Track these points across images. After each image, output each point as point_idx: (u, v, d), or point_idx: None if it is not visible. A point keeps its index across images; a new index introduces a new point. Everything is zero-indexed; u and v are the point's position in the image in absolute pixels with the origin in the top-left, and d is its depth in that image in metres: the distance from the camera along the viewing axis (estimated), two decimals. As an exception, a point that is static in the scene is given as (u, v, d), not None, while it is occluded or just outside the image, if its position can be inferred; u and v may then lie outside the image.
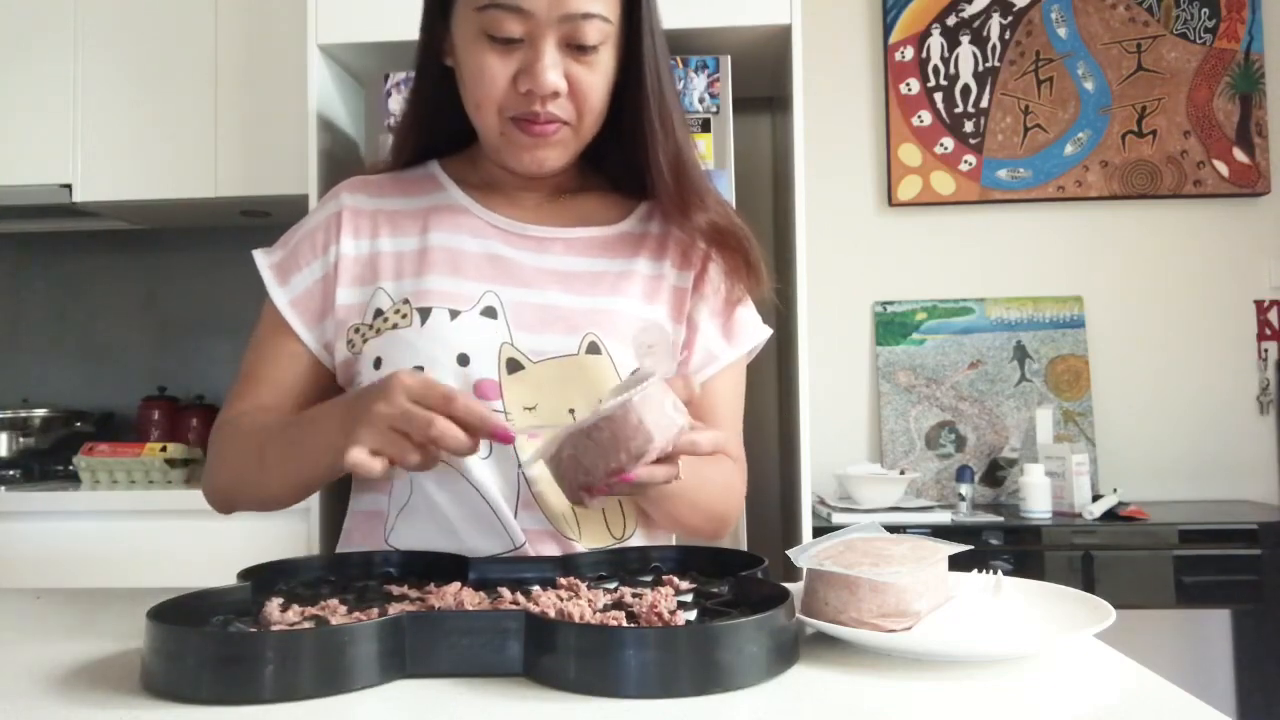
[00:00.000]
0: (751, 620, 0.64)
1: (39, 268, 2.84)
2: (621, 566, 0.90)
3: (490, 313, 0.95)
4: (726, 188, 2.01)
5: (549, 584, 0.81)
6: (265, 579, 0.82)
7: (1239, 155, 2.59)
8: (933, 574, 0.75)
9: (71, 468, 2.34)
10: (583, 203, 1.06)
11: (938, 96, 2.65)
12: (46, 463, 2.50)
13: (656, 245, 1.04)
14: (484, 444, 0.91)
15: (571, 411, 0.93)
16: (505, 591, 0.76)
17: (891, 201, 2.64)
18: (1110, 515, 2.20)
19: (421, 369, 0.92)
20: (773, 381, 2.55)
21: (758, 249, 1.03)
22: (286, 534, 2.08)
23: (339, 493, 0.85)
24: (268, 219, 2.57)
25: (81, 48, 2.43)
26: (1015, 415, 2.56)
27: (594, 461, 0.74)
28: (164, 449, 2.26)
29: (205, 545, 2.11)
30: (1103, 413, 2.58)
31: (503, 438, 0.78)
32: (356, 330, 0.98)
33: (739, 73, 2.11)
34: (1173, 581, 2.11)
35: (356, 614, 0.71)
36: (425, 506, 0.94)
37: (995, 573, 0.85)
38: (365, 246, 1.00)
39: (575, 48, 0.92)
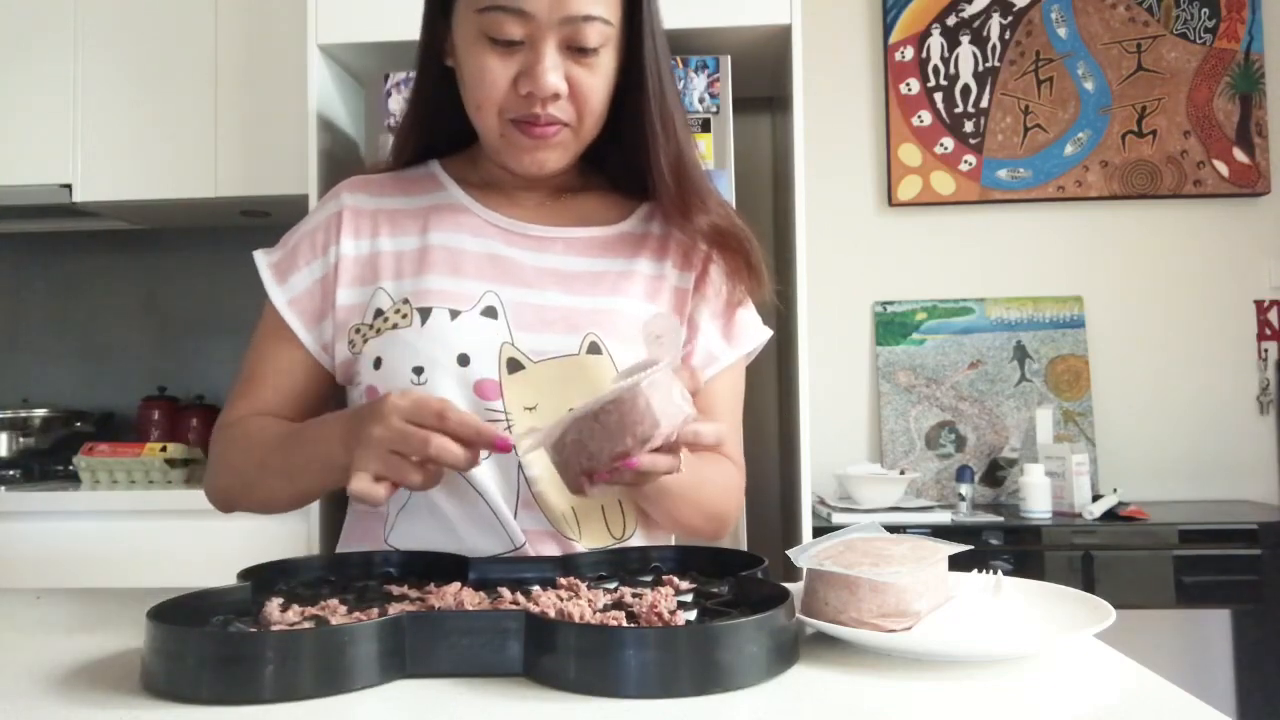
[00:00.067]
0: (751, 620, 0.64)
1: (39, 268, 2.84)
2: (621, 566, 0.89)
3: (490, 312, 0.95)
4: (726, 188, 2.01)
5: (549, 584, 0.81)
6: (265, 579, 0.82)
7: (1239, 155, 2.59)
8: (933, 574, 0.75)
9: (71, 468, 2.34)
10: (583, 202, 1.06)
11: (938, 96, 2.65)
12: (46, 463, 2.50)
13: (658, 246, 1.04)
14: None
15: (571, 411, 0.93)
16: (505, 591, 0.76)
17: (891, 201, 2.64)
18: (1110, 515, 2.20)
19: (421, 369, 0.92)
20: (773, 381, 2.55)
21: (759, 250, 1.03)
22: (286, 534, 2.08)
23: (339, 493, 0.85)
24: (268, 219, 2.57)
25: (81, 48, 2.43)
26: (1015, 415, 2.56)
27: (599, 446, 0.74)
28: (164, 449, 2.26)
29: (205, 545, 2.11)
30: (1103, 413, 2.58)
31: (501, 447, 0.78)
32: (357, 330, 0.98)
33: (739, 73, 2.11)
34: (1173, 581, 2.11)
35: (356, 614, 0.71)
36: (425, 506, 0.94)
37: (995, 573, 0.85)
38: (365, 246, 1.00)
39: (576, 50, 0.92)
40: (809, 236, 2.16)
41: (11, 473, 2.42)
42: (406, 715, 0.59)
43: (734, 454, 1.05)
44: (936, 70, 2.65)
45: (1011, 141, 2.62)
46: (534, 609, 0.70)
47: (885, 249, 2.66)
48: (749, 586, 0.78)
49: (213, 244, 2.76)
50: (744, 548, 1.93)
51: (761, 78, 2.38)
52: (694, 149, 1.02)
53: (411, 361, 0.92)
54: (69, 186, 2.41)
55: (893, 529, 0.91)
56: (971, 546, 0.82)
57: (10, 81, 2.44)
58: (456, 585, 0.78)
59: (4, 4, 2.44)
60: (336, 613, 0.72)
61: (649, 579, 0.87)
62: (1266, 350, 2.60)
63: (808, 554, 0.76)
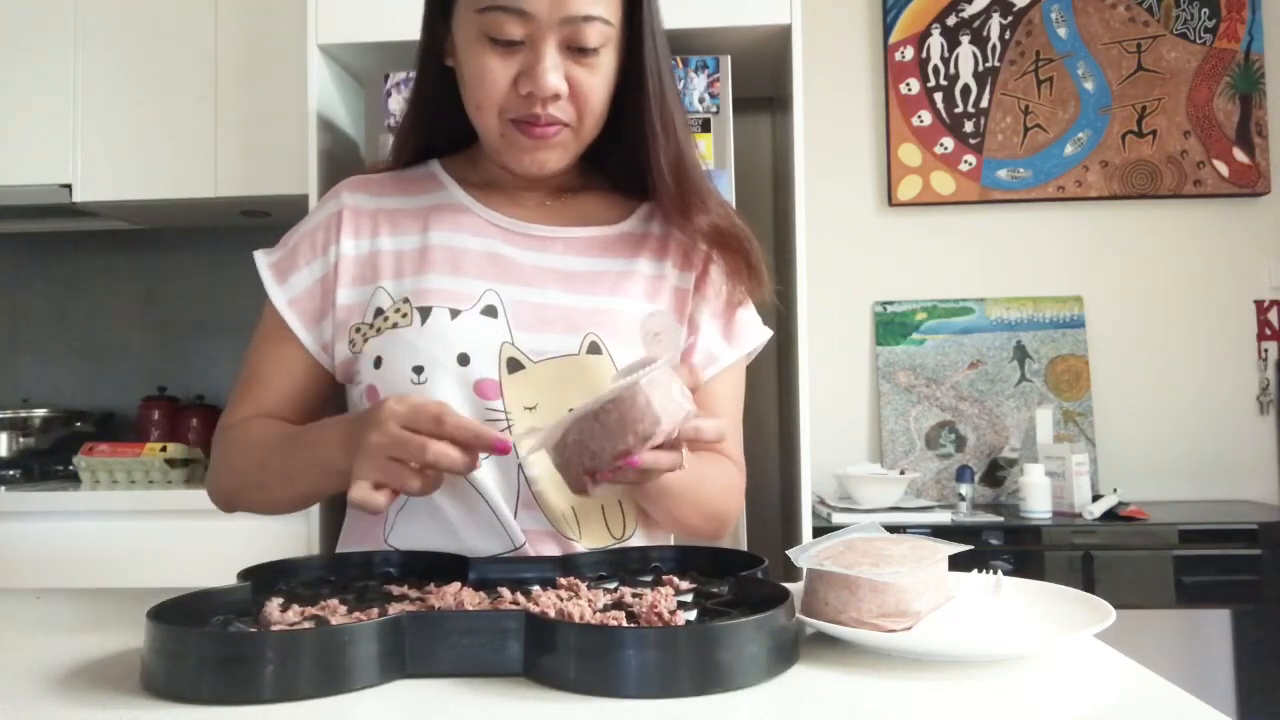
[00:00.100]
0: (751, 620, 0.64)
1: (39, 268, 2.84)
2: (621, 566, 0.89)
3: (491, 312, 0.95)
4: (726, 188, 2.01)
5: (549, 584, 0.81)
6: (265, 579, 0.82)
7: (1239, 155, 2.59)
8: (933, 574, 0.75)
9: (71, 468, 2.34)
10: (584, 202, 1.06)
11: (938, 96, 2.65)
12: (46, 463, 2.50)
13: (658, 246, 1.04)
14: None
15: (571, 411, 0.93)
16: (505, 591, 0.76)
17: (891, 201, 2.64)
18: (1110, 515, 2.20)
19: (421, 369, 0.92)
20: (773, 381, 2.55)
21: (759, 251, 1.03)
22: (286, 534, 2.08)
23: (339, 493, 0.85)
24: (268, 219, 2.57)
25: (81, 48, 2.43)
26: (1015, 415, 2.56)
27: (601, 445, 0.75)
28: (164, 449, 2.26)
29: (205, 545, 2.12)
30: (1103, 413, 2.58)
31: (500, 449, 0.79)
32: (357, 329, 0.98)
33: (739, 73, 2.11)
34: (1173, 581, 2.12)
35: (356, 614, 0.71)
36: (425, 507, 0.94)
37: (995, 573, 0.85)
38: (365, 246, 1.00)
39: (576, 50, 0.92)
40: (809, 236, 2.17)
41: (11, 473, 2.42)
42: (406, 715, 0.59)
43: (734, 454, 1.05)
44: (936, 70, 2.65)
45: (1011, 141, 2.62)
46: (534, 609, 0.70)
47: (885, 249, 2.66)
48: (749, 586, 0.78)
49: (213, 244, 2.76)
50: (744, 548, 1.93)
51: (761, 78, 2.38)
52: (694, 149, 1.02)
53: (411, 361, 0.92)
54: (69, 186, 2.41)
55: (893, 529, 0.91)
56: (971, 546, 0.82)
57: (10, 81, 2.44)
58: (456, 585, 0.78)
59: (4, 4, 2.44)
60: (336, 613, 0.72)
61: (649, 579, 0.87)
62: (1266, 350, 2.60)
63: (808, 554, 0.76)
